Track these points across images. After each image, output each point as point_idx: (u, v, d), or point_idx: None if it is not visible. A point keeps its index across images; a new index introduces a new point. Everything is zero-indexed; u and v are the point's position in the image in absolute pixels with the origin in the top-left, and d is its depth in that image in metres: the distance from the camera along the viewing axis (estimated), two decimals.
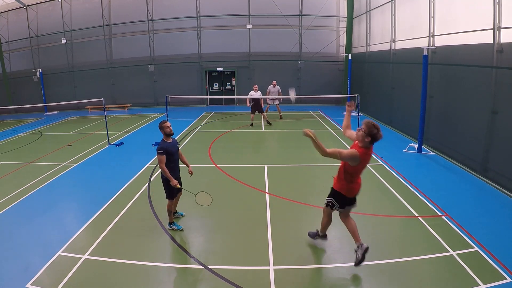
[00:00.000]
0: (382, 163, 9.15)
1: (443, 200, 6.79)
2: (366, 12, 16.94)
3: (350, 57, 17.57)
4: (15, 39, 22.09)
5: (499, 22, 7.50)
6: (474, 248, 5.08)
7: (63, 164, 9.89)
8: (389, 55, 14.00)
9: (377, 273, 4.61)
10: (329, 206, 4.81)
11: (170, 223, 5.88)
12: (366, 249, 4.56)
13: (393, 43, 13.76)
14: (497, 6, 7.48)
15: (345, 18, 20.07)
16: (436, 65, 10.22)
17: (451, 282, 4.39)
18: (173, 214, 6.01)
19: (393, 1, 13.47)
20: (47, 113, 21.14)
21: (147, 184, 8.05)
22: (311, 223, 5.94)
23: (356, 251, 4.65)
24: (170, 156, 5.56)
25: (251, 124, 14.62)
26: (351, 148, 4.51)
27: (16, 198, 7.47)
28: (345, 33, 20.36)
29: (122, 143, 12.16)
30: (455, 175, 8.32)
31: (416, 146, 10.25)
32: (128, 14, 20.91)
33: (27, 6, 21.58)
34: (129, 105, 21.53)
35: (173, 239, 5.59)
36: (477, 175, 8.10)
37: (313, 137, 4.17)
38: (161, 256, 5.21)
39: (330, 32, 20.75)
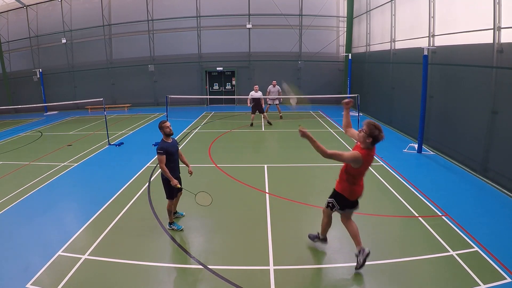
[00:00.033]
0: (382, 163, 9.15)
1: (443, 200, 6.79)
2: (366, 12, 16.94)
3: (350, 57, 17.58)
4: (15, 39, 22.09)
5: (499, 22, 7.50)
6: (474, 248, 5.08)
7: (63, 164, 9.89)
8: (389, 55, 14.00)
9: (377, 273, 4.61)
10: (329, 207, 4.76)
11: (170, 223, 5.88)
12: (368, 254, 4.55)
13: (393, 43, 13.76)
14: (497, 6, 7.48)
15: (345, 18, 20.07)
16: (436, 65, 10.22)
17: (451, 282, 4.39)
18: (173, 214, 6.01)
19: (393, 1, 13.47)
20: (47, 113, 21.13)
21: (147, 184, 8.05)
22: (311, 223, 5.94)
23: (357, 256, 4.61)
24: (170, 156, 5.56)
25: (251, 124, 14.62)
26: (353, 149, 4.45)
27: (16, 198, 7.47)
28: (345, 33, 20.37)
29: (122, 143, 12.16)
30: (455, 175, 8.32)
31: (416, 146, 10.25)
32: (128, 14, 20.91)
33: (27, 6, 21.58)
34: (129, 105, 21.53)
35: (173, 239, 5.60)
36: (477, 175, 8.10)
37: (310, 136, 4.10)
38: (161, 256, 5.21)
39: (330, 32, 20.76)
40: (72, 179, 8.76)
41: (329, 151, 4.15)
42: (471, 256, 4.90)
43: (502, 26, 7.45)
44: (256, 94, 14.44)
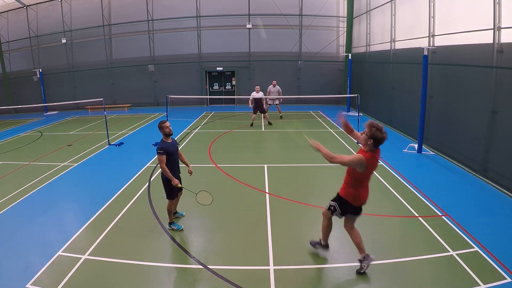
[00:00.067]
0: (382, 163, 9.14)
1: (443, 200, 6.79)
2: (366, 12, 16.94)
3: (350, 57, 17.57)
4: (15, 39, 22.09)
5: (499, 22, 7.50)
6: (474, 248, 5.08)
7: (63, 164, 9.89)
8: (389, 55, 14.00)
9: (377, 273, 4.60)
10: (331, 210, 4.67)
11: (170, 223, 5.88)
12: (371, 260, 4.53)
13: (393, 43, 13.76)
14: (497, 6, 7.48)
15: (345, 18, 20.06)
16: (436, 65, 10.22)
17: (451, 282, 4.39)
18: (173, 214, 6.01)
19: (393, 1, 13.47)
20: (47, 113, 21.13)
21: (147, 184, 8.05)
22: (311, 223, 5.94)
23: (361, 261, 4.54)
24: (170, 156, 5.57)
25: (251, 124, 14.62)
26: (357, 153, 4.37)
27: (16, 198, 7.47)
28: (345, 33, 20.36)
29: (122, 143, 12.16)
30: (455, 175, 8.32)
31: (416, 146, 10.25)
32: (128, 14, 20.91)
33: (27, 6, 21.58)
34: (129, 105, 21.53)
35: (173, 239, 5.60)
36: (477, 175, 8.10)
37: (320, 148, 4.14)
38: (161, 256, 5.21)
39: (330, 32, 20.75)
40: (72, 179, 8.76)
41: (334, 156, 4.12)
42: (471, 256, 4.90)
43: (502, 26, 7.45)
44: (257, 94, 14.45)
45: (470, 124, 8.64)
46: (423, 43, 10.73)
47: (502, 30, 7.47)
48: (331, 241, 5.29)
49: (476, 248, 5.06)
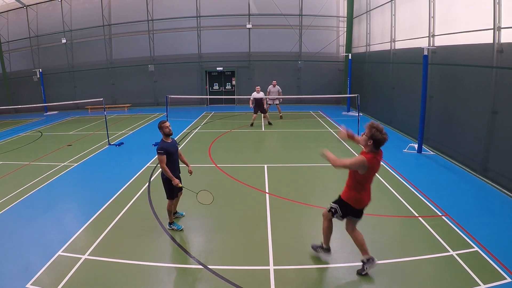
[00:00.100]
0: (382, 163, 9.13)
1: (443, 200, 6.79)
2: (366, 12, 16.94)
3: (350, 57, 17.57)
4: (15, 39, 22.09)
5: (499, 22, 7.50)
6: (474, 248, 5.08)
7: (63, 164, 9.89)
8: (389, 55, 14.00)
9: (377, 273, 4.60)
10: (331, 211, 4.64)
11: (170, 223, 5.88)
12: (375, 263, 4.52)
13: (393, 43, 13.76)
14: (497, 6, 7.48)
15: (345, 18, 20.06)
16: (436, 65, 10.22)
17: (451, 282, 4.39)
18: (173, 214, 6.01)
19: (393, 1, 13.48)
20: (47, 113, 21.13)
21: (147, 184, 8.05)
22: (311, 223, 5.95)
23: (364, 263, 4.53)
24: (170, 156, 5.57)
25: (251, 124, 14.63)
26: (359, 154, 4.36)
27: (16, 198, 7.47)
28: (345, 33, 20.36)
29: (122, 143, 12.16)
30: (455, 175, 8.32)
31: (416, 146, 10.25)
32: (128, 14, 20.91)
33: (27, 6, 21.58)
34: (129, 105, 21.52)
35: (173, 239, 5.60)
36: (477, 175, 8.10)
37: (327, 154, 4.24)
38: (161, 256, 5.21)
39: (330, 32, 20.75)
40: (72, 179, 8.76)
41: (337, 160, 4.21)
42: (471, 256, 4.90)
43: (502, 26, 7.45)
44: (257, 94, 14.47)
45: (470, 124, 8.64)
46: (423, 43, 10.73)
47: (502, 30, 7.47)
48: (332, 241, 5.28)
49: (476, 248, 5.06)
